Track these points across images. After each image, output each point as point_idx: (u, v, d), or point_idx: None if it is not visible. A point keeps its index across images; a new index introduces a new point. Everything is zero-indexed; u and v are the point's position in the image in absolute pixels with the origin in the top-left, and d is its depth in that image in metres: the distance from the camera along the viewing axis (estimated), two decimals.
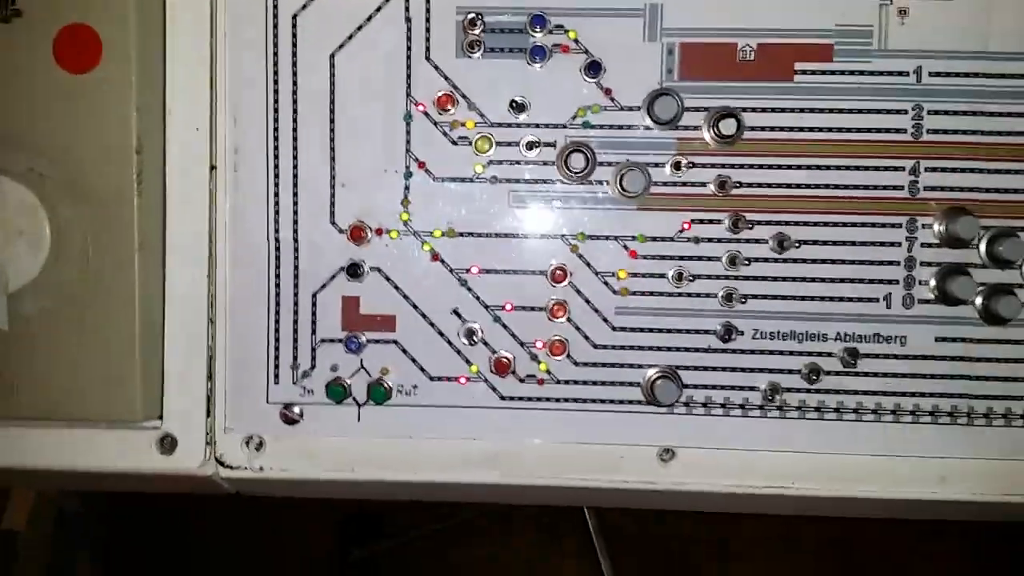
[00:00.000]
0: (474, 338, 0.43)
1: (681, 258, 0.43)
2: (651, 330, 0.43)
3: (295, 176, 0.44)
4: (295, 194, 0.44)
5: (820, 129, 0.42)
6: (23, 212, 0.42)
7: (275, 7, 0.43)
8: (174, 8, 0.43)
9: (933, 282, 0.42)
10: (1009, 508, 0.43)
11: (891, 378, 0.43)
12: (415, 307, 0.44)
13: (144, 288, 0.43)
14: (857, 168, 0.42)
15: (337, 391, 0.43)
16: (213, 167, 0.44)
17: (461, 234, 0.44)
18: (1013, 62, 0.42)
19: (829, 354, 0.43)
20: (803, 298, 0.43)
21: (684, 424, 0.43)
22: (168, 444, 0.44)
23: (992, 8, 0.42)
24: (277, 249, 0.44)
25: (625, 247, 0.43)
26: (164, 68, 0.43)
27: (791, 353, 0.43)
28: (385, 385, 0.44)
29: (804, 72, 0.42)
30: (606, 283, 0.43)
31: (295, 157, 0.44)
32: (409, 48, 0.43)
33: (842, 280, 0.43)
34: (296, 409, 0.44)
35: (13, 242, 0.42)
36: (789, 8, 0.42)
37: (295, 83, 0.44)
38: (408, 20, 0.43)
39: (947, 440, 0.43)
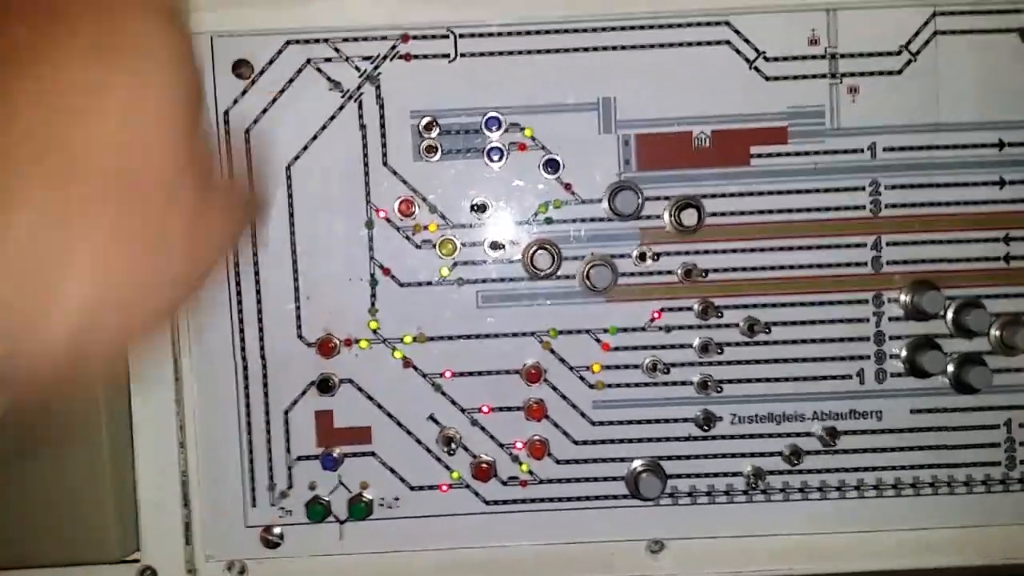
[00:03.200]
0: (452, 444, 0.43)
1: (653, 348, 0.43)
2: (630, 422, 0.43)
3: (258, 292, 0.43)
4: (259, 310, 0.43)
5: (780, 211, 0.43)
6: None
7: (227, 123, 0.43)
8: None
9: (904, 353, 0.43)
10: (994, 571, 0.44)
11: (870, 453, 0.43)
12: (390, 416, 0.43)
13: (110, 420, 0.42)
14: (819, 247, 0.43)
15: (317, 510, 0.43)
16: None
17: (431, 338, 0.43)
18: (964, 132, 0.42)
19: (808, 434, 0.43)
20: (778, 380, 0.43)
21: (671, 515, 0.43)
22: None
23: (940, 80, 0.42)
24: (244, 368, 0.43)
25: (597, 340, 0.43)
26: None
27: (771, 436, 0.43)
28: (365, 500, 0.43)
29: (760, 155, 0.43)
30: (581, 378, 0.43)
31: (256, 272, 0.43)
32: (366, 155, 0.43)
33: (814, 359, 0.43)
34: (276, 531, 0.43)
35: None
36: (741, 93, 0.42)
37: None
38: (363, 127, 0.43)
39: (929, 510, 0.43)
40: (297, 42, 0.42)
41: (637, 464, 0.43)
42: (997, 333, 0.42)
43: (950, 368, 0.42)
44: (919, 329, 0.43)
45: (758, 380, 0.43)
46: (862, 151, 0.43)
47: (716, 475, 0.43)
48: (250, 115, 0.42)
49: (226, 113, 0.42)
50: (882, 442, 0.43)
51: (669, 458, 0.43)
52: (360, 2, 0.42)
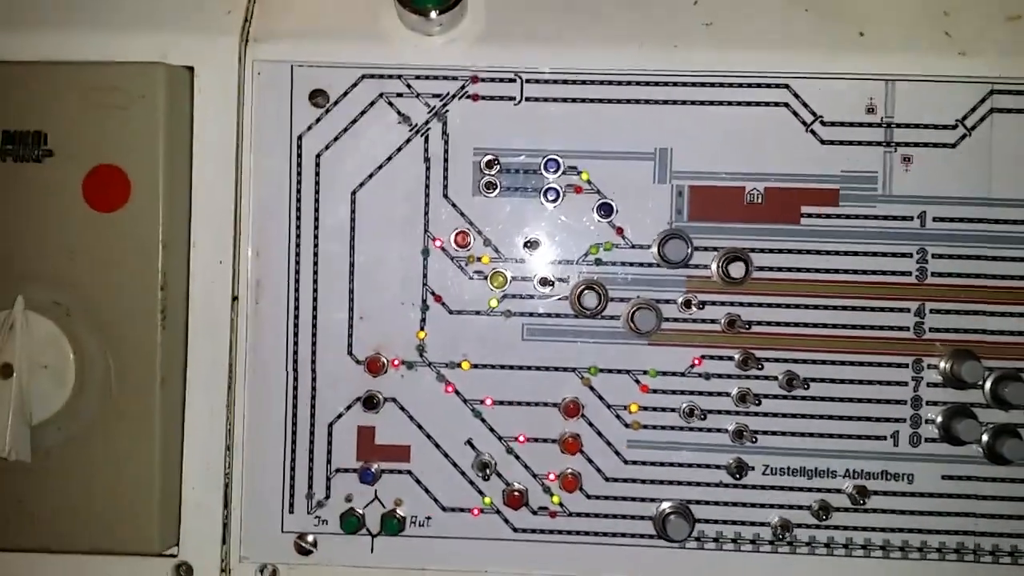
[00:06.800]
0: (487, 470, 0.44)
1: (692, 393, 0.44)
2: (663, 464, 0.44)
3: (315, 308, 0.45)
4: (314, 326, 0.45)
5: (827, 271, 0.43)
6: (49, 345, 0.43)
7: (299, 148, 0.45)
8: (201, 146, 0.45)
9: (939, 419, 0.43)
10: None
11: (899, 515, 0.43)
12: (429, 437, 0.45)
13: (164, 420, 0.44)
14: (863, 309, 0.43)
15: (351, 522, 0.44)
16: (235, 298, 0.45)
17: (476, 366, 0.45)
18: (1014, 208, 0.43)
19: (838, 491, 0.43)
20: (812, 435, 0.44)
21: (696, 559, 0.44)
22: (184, 572, 0.45)
23: (993, 156, 0.43)
24: (295, 380, 0.45)
25: (637, 381, 0.44)
26: (190, 203, 0.45)
27: (801, 489, 0.44)
28: (398, 516, 0.44)
29: (811, 215, 0.44)
30: (618, 416, 0.44)
31: (315, 290, 0.45)
32: (428, 186, 0.45)
33: (850, 418, 0.43)
34: (310, 539, 0.45)
35: (38, 375, 0.43)
36: (796, 154, 0.44)
37: (316, 218, 0.45)
38: (427, 160, 0.45)
39: None
40: (372, 76, 0.44)
41: (666, 506, 0.44)
42: None
43: (984, 438, 0.43)
44: (956, 397, 0.43)
45: (793, 434, 0.44)
46: (912, 219, 0.43)
47: (744, 523, 0.44)
48: (322, 142, 0.45)
49: (299, 138, 0.45)
50: (912, 505, 0.43)
51: (698, 502, 0.44)
52: (434, 43, 0.44)
